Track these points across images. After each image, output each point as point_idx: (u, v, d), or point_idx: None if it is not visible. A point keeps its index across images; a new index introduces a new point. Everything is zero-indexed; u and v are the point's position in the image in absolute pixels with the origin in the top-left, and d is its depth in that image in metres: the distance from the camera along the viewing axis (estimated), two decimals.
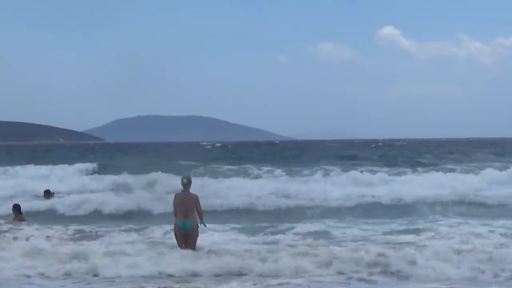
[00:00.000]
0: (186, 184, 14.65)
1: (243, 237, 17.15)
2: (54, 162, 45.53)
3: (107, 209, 24.89)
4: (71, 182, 35.43)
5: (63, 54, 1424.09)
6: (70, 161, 46.02)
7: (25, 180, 35.25)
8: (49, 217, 22.68)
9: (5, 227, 18.15)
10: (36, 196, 27.68)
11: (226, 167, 42.73)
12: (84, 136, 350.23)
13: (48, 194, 25.18)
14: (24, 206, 20.77)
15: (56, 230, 18.12)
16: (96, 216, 24.08)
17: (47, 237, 16.96)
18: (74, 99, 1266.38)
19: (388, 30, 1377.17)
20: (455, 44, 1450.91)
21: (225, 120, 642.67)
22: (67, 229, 18.40)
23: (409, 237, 16.67)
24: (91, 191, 29.85)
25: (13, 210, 19.75)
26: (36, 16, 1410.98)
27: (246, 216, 23.18)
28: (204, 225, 14.68)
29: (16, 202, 20.90)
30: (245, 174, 39.02)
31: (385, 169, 38.85)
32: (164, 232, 17.11)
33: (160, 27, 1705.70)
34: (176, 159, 50.47)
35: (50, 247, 14.98)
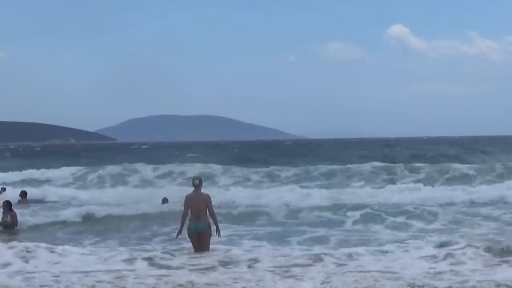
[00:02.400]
0: (198, 184, 14.10)
1: None
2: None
3: None
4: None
5: (75, 55, 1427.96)
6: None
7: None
8: None
9: None
10: None
11: None
12: (96, 136, 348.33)
13: (23, 195, 26.30)
14: None
15: None
16: None
17: None
18: (87, 100, 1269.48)
19: (397, 29, 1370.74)
20: (465, 42, 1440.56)
21: (237, 119, 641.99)
22: None
23: None
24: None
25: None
26: (47, 17, 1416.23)
27: None
28: (219, 235, 14.12)
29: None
30: None
31: None
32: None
33: (173, 27, 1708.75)
34: None
35: None
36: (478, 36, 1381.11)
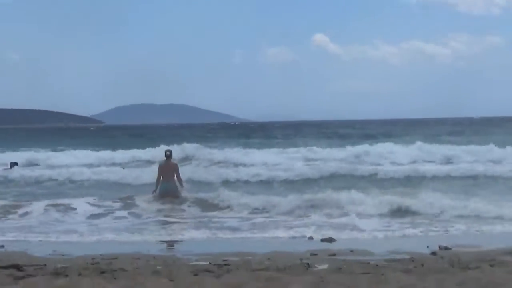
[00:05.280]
0: (169, 155, 16.86)
1: None
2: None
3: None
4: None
5: (68, 55, 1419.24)
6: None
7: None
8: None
9: None
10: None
11: None
12: (91, 120, 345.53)
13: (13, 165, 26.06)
14: None
15: None
16: None
17: None
18: (78, 89, 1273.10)
19: (319, 37, 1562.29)
20: (371, 48, 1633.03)
21: (196, 106, 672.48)
22: None
23: None
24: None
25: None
26: (44, 9, 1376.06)
27: None
28: (181, 194, 16.59)
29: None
30: None
31: None
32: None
33: (145, 23, 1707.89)
34: None
35: None
36: (381, 42, 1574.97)
